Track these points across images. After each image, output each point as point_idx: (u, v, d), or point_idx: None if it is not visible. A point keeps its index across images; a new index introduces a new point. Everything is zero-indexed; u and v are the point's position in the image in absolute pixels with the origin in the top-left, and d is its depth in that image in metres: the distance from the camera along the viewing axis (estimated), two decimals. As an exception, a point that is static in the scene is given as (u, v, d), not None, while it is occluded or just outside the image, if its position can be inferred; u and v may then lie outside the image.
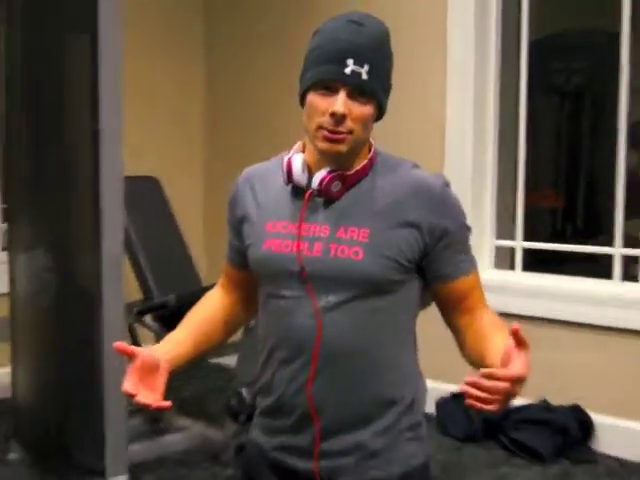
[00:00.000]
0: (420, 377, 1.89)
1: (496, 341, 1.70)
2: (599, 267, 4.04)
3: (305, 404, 1.75)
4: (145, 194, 3.99)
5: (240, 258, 1.88)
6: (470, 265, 1.79)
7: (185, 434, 3.78)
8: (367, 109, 1.68)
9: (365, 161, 1.76)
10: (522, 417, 3.78)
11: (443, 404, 3.99)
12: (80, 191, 3.27)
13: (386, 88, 1.75)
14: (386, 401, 1.81)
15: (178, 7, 5.16)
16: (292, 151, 1.82)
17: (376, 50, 1.70)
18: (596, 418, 3.77)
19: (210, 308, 1.93)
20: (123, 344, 1.69)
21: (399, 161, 1.81)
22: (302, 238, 1.74)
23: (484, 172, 4.17)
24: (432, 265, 1.76)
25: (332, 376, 1.76)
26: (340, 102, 1.65)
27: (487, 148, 4.17)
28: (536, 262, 4.33)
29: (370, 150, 1.78)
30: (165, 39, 5.07)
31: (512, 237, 4.17)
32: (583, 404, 3.80)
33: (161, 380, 1.72)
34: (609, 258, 3.88)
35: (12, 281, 3.57)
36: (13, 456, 3.61)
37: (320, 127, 1.68)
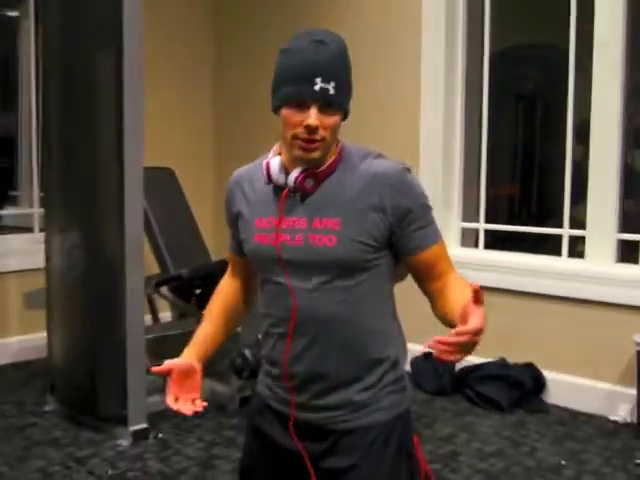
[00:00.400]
0: (401, 338, 1.88)
1: (459, 298, 1.67)
2: (549, 246, 4.02)
3: (301, 371, 1.76)
4: (162, 183, 3.96)
5: (239, 247, 1.88)
6: (435, 237, 1.74)
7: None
8: (335, 119, 1.67)
9: (333, 157, 1.74)
10: (484, 373, 3.77)
11: (416, 362, 3.97)
12: (106, 180, 3.23)
13: (349, 96, 1.72)
14: (371, 362, 1.81)
15: (192, 6, 5.11)
16: (271, 153, 1.81)
17: (339, 65, 1.67)
18: (547, 374, 3.76)
19: (225, 298, 1.93)
20: (159, 368, 1.72)
21: (364, 153, 1.78)
22: (284, 230, 1.74)
23: (452, 166, 4.14)
24: (401, 241, 1.73)
25: (323, 346, 1.75)
26: (313, 117, 1.64)
27: (455, 145, 4.14)
28: (496, 241, 4.31)
29: (337, 146, 1.75)
30: (177, 46, 5.01)
31: (476, 220, 4.14)
32: (536, 362, 3.78)
33: (197, 379, 1.77)
34: (558, 238, 3.85)
35: (48, 258, 3.54)
36: (49, 408, 3.58)
37: (295, 137, 1.67)
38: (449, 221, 4.14)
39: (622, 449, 3.20)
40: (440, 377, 3.84)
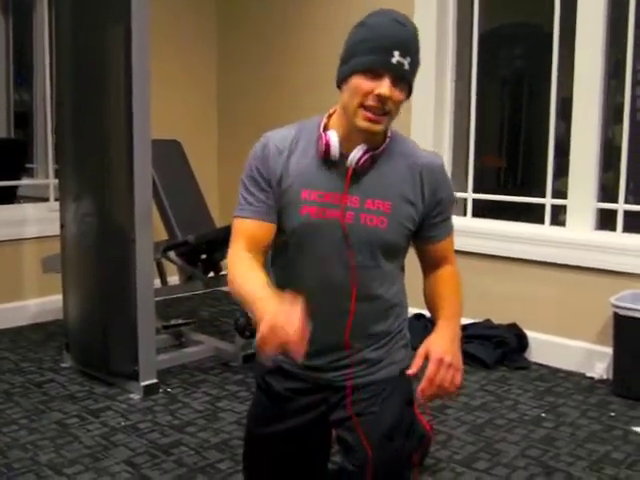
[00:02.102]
0: (406, 301, 1.98)
1: (443, 298, 1.85)
2: (533, 218, 4.02)
3: (325, 342, 1.78)
4: (169, 154, 3.95)
5: (269, 211, 1.74)
6: (451, 229, 1.83)
7: (202, 347, 3.78)
8: (403, 94, 1.66)
9: (387, 141, 1.74)
10: (470, 333, 3.78)
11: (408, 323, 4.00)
12: (116, 151, 3.22)
13: (414, 78, 1.71)
14: (389, 330, 1.87)
15: None
16: (317, 124, 1.75)
17: (415, 45, 1.67)
18: (530, 334, 3.79)
19: (251, 260, 1.71)
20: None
21: (405, 139, 1.82)
22: (338, 207, 1.71)
23: (442, 138, 4.14)
24: (425, 229, 1.79)
25: (360, 315, 1.79)
26: (386, 86, 1.61)
27: (445, 119, 4.13)
28: (483, 211, 4.31)
29: (389, 130, 1.77)
30: (182, 21, 4.97)
31: (465, 190, 4.14)
32: (519, 323, 3.81)
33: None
34: (541, 207, 3.86)
35: (62, 225, 3.54)
36: (65, 365, 3.61)
37: (362, 106, 1.64)
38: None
39: (598, 403, 3.24)
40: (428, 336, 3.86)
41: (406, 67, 1.63)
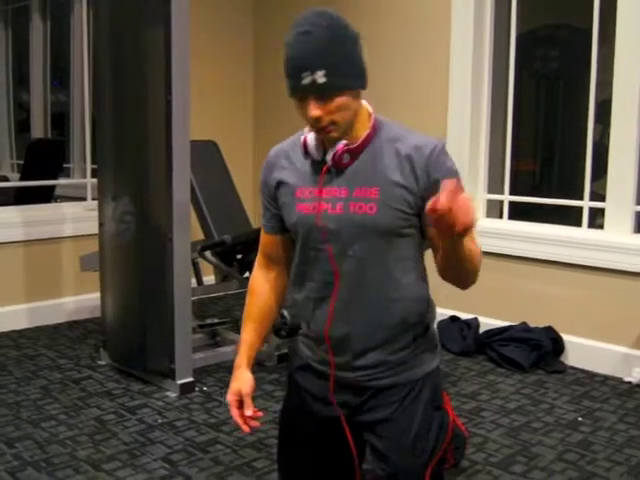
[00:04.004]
0: (432, 302, 1.88)
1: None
2: (570, 218, 3.99)
3: (340, 333, 1.75)
4: (206, 154, 3.98)
5: (279, 223, 1.82)
6: (455, 173, 1.70)
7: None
8: (339, 100, 1.60)
9: (367, 131, 1.70)
10: (506, 336, 3.77)
11: (443, 325, 3.98)
12: (155, 151, 3.25)
13: (353, 70, 1.63)
14: (405, 325, 1.81)
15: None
16: (307, 129, 1.77)
17: (326, 50, 1.58)
18: (566, 338, 3.75)
19: (260, 299, 1.87)
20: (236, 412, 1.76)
21: (399, 127, 1.74)
22: (325, 200, 1.71)
23: (479, 140, 4.12)
24: (424, 211, 1.64)
25: (361, 309, 1.74)
26: (311, 109, 1.60)
27: (481, 122, 4.11)
28: (519, 216, 4.28)
29: (371, 119, 1.71)
30: (218, 19, 5.00)
31: (501, 192, 4.12)
32: (556, 326, 3.78)
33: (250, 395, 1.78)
34: (578, 211, 3.82)
35: (101, 224, 3.58)
36: (102, 362, 3.65)
37: (310, 124, 1.66)
38: (475, 193, 4.13)
39: (636, 408, 3.20)
40: (465, 339, 3.85)
41: (321, 81, 1.57)
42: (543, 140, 5.90)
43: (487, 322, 3.96)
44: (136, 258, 3.38)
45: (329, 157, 1.70)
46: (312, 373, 1.92)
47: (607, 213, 3.67)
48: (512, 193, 4.08)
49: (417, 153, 1.69)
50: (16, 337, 4.04)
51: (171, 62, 3.12)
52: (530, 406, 3.20)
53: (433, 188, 1.65)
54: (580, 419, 3.07)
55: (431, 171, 1.68)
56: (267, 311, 1.87)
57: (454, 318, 3.96)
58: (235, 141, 4.93)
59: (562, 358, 3.75)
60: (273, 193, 1.82)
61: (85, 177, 4.71)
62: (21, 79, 6.74)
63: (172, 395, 3.23)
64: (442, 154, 1.71)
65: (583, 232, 3.76)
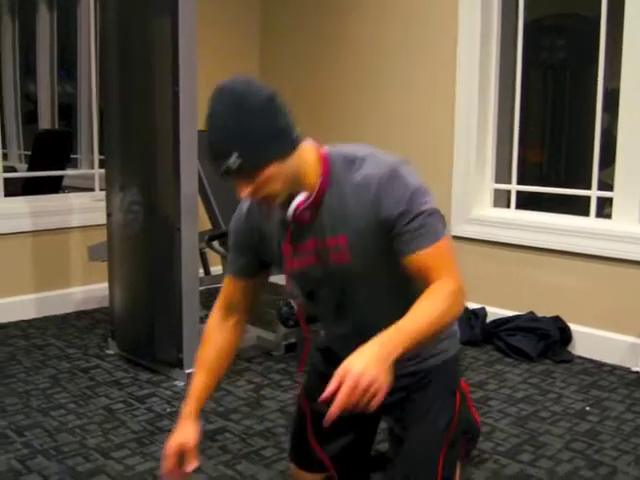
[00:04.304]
0: None
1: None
2: (577, 208, 3.99)
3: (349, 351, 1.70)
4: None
5: (250, 269, 1.84)
6: (422, 241, 1.62)
7: (244, 336, 3.81)
8: (265, 174, 1.57)
9: (319, 180, 1.66)
10: (513, 325, 3.78)
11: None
12: (163, 142, 3.26)
13: (271, 137, 1.57)
14: None
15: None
16: None
17: (233, 131, 1.55)
18: (573, 327, 3.75)
19: (215, 346, 1.89)
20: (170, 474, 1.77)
21: (349, 161, 1.67)
22: (302, 254, 1.74)
23: (486, 130, 4.11)
24: (393, 242, 1.66)
25: (372, 331, 1.64)
26: (239, 190, 1.59)
27: (489, 110, 4.10)
28: (527, 203, 4.28)
29: (322, 167, 1.67)
30: (224, 15, 4.98)
31: (508, 182, 4.11)
32: (563, 316, 3.78)
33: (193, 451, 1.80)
34: (586, 201, 3.82)
35: (109, 214, 3.59)
36: (110, 352, 3.67)
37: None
38: (482, 182, 4.12)
39: (644, 397, 3.21)
40: (472, 328, 3.85)
41: (236, 166, 1.54)
42: (550, 130, 5.89)
43: (494, 312, 3.96)
44: (144, 248, 3.39)
45: (289, 217, 1.68)
46: (329, 355, 1.95)
47: (615, 202, 3.66)
48: (519, 183, 4.08)
49: (368, 189, 1.64)
50: (25, 327, 4.06)
51: (178, 53, 3.12)
52: (538, 395, 3.21)
53: (385, 222, 1.64)
54: (587, 408, 3.08)
55: (381, 207, 1.63)
56: (222, 361, 1.90)
57: (461, 308, 3.96)
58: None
59: (570, 348, 3.75)
60: (252, 244, 1.81)
61: (93, 168, 4.72)
62: (28, 70, 6.75)
63: (180, 384, 3.25)
64: (392, 181, 1.64)
65: (591, 221, 3.76)
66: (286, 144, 1.60)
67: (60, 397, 3.10)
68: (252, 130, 1.55)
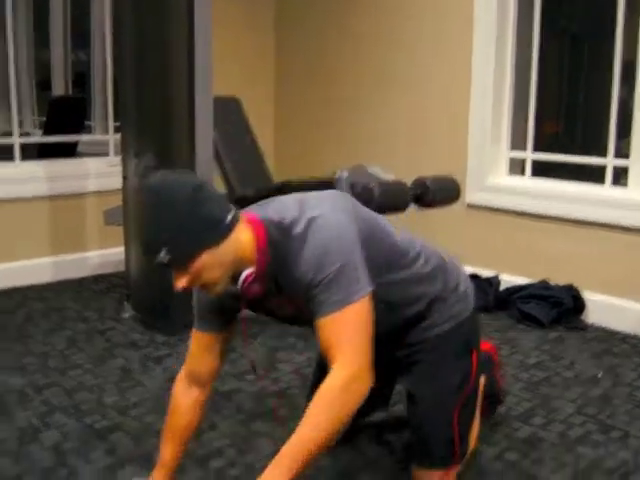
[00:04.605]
0: (447, 272, 2.02)
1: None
2: (594, 178, 3.97)
3: None
4: (228, 110, 3.98)
5: (221, 323, 1.89)
6: (326, 308, 1.64)
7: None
8: (198, 264, 1.60)
9: (257, 256, 1.69)
10: (527, 293, 3.79)
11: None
12: (178, 108, 3.27)
13: (199, 229, 1.59)
14: (426, 322, 2.03)
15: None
16: None
17: (160, 228, 1.58)
18: (587, 295, 3.76)
19: (183, 416, 1.96)
20: None
21: (283, 228, 1.68)
22: (280, 308, 1.83)
23: (502, 97, 4.09)
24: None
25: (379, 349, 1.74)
26: (176, 281, 1.62)
27: (505, 77, 4.08)
28: (543, 173, 4.27)
29: (258, 242, 1.68)
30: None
31: (524, 149, 4.10)
32: (577, 284, 3.79)
33: None
34: (602, 171, 3.80)
35: (124, 178, 3.61)
36: (126, 315, 3.71)
37: None
38: (498, 151, 4.12)
39: (656, 365, 3.23)
40: (486, 295, 3.87)
41: (167, 260, 1.58)
42: (567, 102, 5.86)
43: (508, 280, 3.97)
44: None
45: (240, 293, 1.72)
46: None
47: (631, 171, 3.65)
48: (535, 152, 4.06)
49: (291, 261, 1.67)
50: (41, 290, 4.10)
51: (193, 17, 3.12)
52: (550, 362, 3.23)
53: (305, 286, 1.66)
54: (600, 375, 3.10)
55: (297, 272, 1.67)
56: (189, 429, 1.98)
57: (474, 276, 3.98)
58: (256, 97, 4.93)
59: (583, 316, 3.76)
60: (213, 307, 1.87)
61: (107, 134, 4.74)
62: (42, 37, 6.75)
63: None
64: (301, 250, 1.65)
65: (606, 189, 3.75)
66: (216, 232, 1.61)
67: (77, 358, 3.15)
68: (177, 225, 1.58)
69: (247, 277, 1.69)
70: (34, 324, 3.56)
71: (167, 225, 1.57)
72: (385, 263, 1.82)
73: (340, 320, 1.62)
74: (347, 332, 1.62)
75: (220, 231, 1.61)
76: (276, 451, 1.59)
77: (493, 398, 2.57)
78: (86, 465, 2.27)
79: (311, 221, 1.65)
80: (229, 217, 1.62)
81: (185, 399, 1.96)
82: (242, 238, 1.66)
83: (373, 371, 1.64)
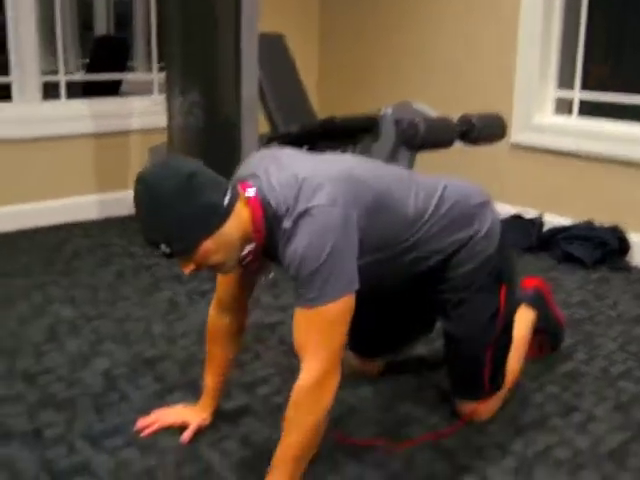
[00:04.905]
0: (471, 216, 2.00)
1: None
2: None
3: None
4: (273, 47, 3.97)
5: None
6: (302, 302, 1.65)
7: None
8: (201, 251, 1.60)
9: (255, 235, 1.69)
10: (570, 234, 3.77)
11: (506, 222, 3.98)
12: (224, 46, 3.26)
13: (198, 219, 1.58)
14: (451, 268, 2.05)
15: None
16: None
17: (158, 222, 1.57)
18: (632, 237, 3.73)
19: (221, 342, 2.05)
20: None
21: (280, 215, 1.66)
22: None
23: (551, 34, 4.02)
24: None
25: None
26: (182, 268, 1.65)
27: (554, 14, 4.00)
28: (590, 114, 4.20)
29: (255, 215, 1.68)
30: None
31: (571, 87, 4.04)
32: (622, 225, 3.75)
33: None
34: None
35: (169, 115, 3.64)
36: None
37: None
38: (545, 89, 4.06)
39: (701, 305, 3.21)
40: (529, 236, 3.86)
41: (169, 251, 1.59)
42: (616, 43, 5.72)
43: (552, 220, 3.95)
44: (204, 150, 3.44)
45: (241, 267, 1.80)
46: None
47: (682, 110, 3.59)
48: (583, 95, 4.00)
49: (285, 244, 1.67)
50: (87, 227, 4.19)
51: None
52: (593, 301, 3.23)
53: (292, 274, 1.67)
54: (643, 314, 3.10)
55: (286, 257, 1.67)
56: (228, 360, 2.08)
57: (517, 217, 3.96)
58: (300, 34, 4.90)
59: (627, 257, 3.74)
60: None
61: (151, 72, 4.76)
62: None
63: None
64: (291, 245, 1.64)
65: (655, 129, 3.70)
66: (214, 218, 1.61)
67: (125, 290, 3.23)
68: (174, 221, 1.57)
69: (247, 254, 1.71)
70: (81, 259, 3.64)
71: (164, 222, 1.57)
72: (394, 234, 1.84)
73: (312, 318, 1.63)
74: (317, 330, 1.63)
75: (219, 216, 1.61)
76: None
77: (553, 334, 2.60)
78: (136, 390, 2.35)
79: (301, 215, 1.62)
80: (227, 200, 1.61)
81: (220, 326, 2.02)
82: (242, 216, 1.66)
83: (340, 368, 1.67)
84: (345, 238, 1.63)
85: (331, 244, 1.60)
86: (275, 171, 1.72)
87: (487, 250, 2.02)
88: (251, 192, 1.69)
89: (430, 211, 1.90)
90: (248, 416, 2.20)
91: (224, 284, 1.97)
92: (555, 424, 2.21)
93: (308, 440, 1.67)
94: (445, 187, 1.97)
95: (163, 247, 1.59)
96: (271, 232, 1.69)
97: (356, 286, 1.67)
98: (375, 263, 1.82)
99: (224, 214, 1.61)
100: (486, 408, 2.16)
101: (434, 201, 1.92)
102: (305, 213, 1.61)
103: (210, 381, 2.07)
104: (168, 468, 1.93)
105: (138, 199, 1.60)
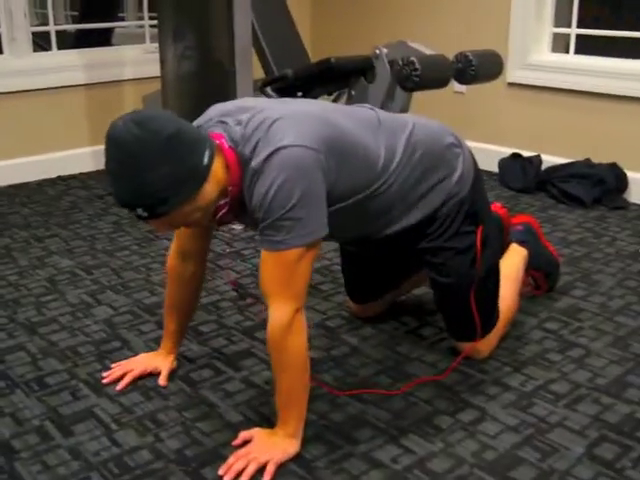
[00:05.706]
0: (439, 158, 1.97)
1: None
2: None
3: None
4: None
5: None
6: (268, 245, 1.62)
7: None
8: (176, 214, 1.58)
9: (231, 189, 1.66)
10: (568, 172, 3.75)
11: (504, 162, 3.96)
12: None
13: (175, 183, 1.52)
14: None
15: None
16: None
17: (134, 187, 1.51)
18: (630, 175, 3.71)
19: (181, 288, 2.04)
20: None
21: (245, 163, 1.63)
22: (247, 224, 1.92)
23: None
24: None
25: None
26: (156, 229, 1.66)
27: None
28: (586, 47, 4.14)
29: (232, 169, 1.64)
30: None
31: (568, 25, 3.97)
32: (620, 163, 3.73)
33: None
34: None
35: (162, 62, 3.59)
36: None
37: None
38: (541, 27, 3.99)
39: (699, 240, 3.21)
40: (526, 175, 3.84)
41: (145, 215, 1.55)
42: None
43: (550, 159, 3.92)
44: (198, 96, 3.40)
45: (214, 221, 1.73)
46: None
47: (680, 44, 3.54)
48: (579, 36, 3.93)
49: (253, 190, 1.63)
50: (84, 179, 4.16)
51: None
52: (591, 239, 3.23)
53: (259, 219, 1.64)
54: (641, 250, 3.10)
55: (251, 202, 1.65)
56: (192, 304, 2.10)
57: (516, 155, 3.94)
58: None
59: (625, 195, 3.73)
60: None
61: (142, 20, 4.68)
62: None
63: (238, 228, 3.34)
64: (256, 184, 1.60)
65: (653, 64, 3.65)
66: (194, 183, 1.57)
67: (123, 240, 3.22)
68: (151, 185, 1.51)
69: (220, 207, 1.67)
70: (79, 210, 3.63)
71: (142, 187, 1.51)
72: (365, 179, 1.80)
73: (278, 260, 1.61)
74: (283, 273, 1.62)
75: (199, 180, 1.57)
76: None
77: (548, 270, 2.60)
78: (138, 337, 2.36)
79: (270, 155, 1.58)
80: (206, 159, 1.57)
81: (182, 273, 2.01)
82: (219, 172, 1.63)
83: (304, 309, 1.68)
84: (315, 182, 1.60)
85: (301, 188, 1.56)
86: (244, 115, 1.68)
87: (460, 193, 2.00)
88: (225, 143, 1.64)
89: (399, 156, 1.86)
90: (249, 359, 2.22)
91: (184, 233, 1.93)
92: (554, 359, 2.22)
93: (299, 378, 1.70)
94: (414, 127, 1.92)
95: (140, 211, 1.55)
96: (244, 180, 1.66)
97: (324, 232, 1.64)
98: (348, 209, 1.78)
99: (204, 174, 1.58)
100: (483, 346, 2.18)
101: (403, 144, 1.87)
102: (274, 153, 1.58)
103: (174, 326, 2.08)
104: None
105: (113, 162, 1.53)
